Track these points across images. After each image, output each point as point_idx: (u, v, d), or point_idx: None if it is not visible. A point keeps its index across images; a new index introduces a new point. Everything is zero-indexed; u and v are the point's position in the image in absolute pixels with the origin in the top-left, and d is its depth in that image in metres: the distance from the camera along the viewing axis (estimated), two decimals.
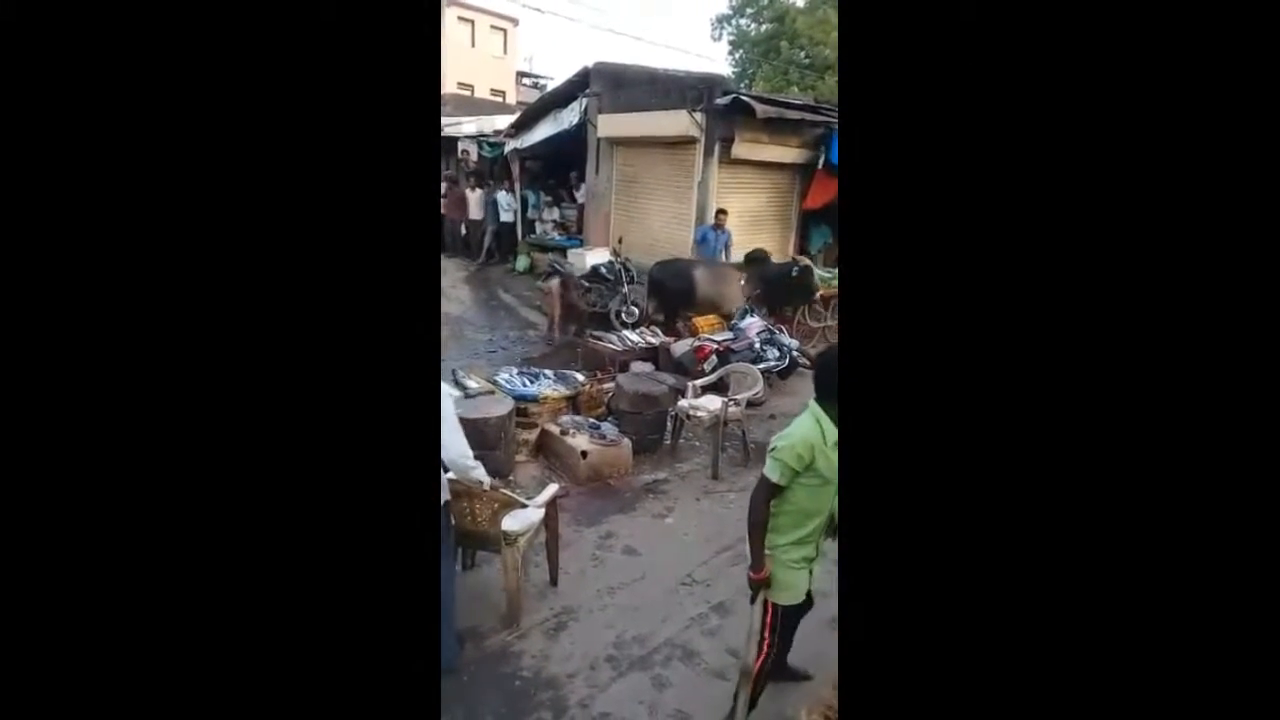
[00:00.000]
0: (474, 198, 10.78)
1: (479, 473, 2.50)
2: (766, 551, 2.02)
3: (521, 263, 10.12)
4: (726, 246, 7.14)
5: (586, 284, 7.51)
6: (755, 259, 7.11)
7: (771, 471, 1.93)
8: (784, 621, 2.19)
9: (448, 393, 2.71)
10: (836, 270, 7.21)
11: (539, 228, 10.93)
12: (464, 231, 10.90)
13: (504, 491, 2.84)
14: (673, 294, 6.57)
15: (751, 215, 8.02)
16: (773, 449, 1.94)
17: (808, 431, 1.90)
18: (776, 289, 6.78)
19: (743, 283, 7.30)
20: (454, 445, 2.37)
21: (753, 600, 2.11)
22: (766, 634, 2.12)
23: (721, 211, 7.07)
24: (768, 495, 1.96)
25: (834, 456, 1.90)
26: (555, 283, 7.18)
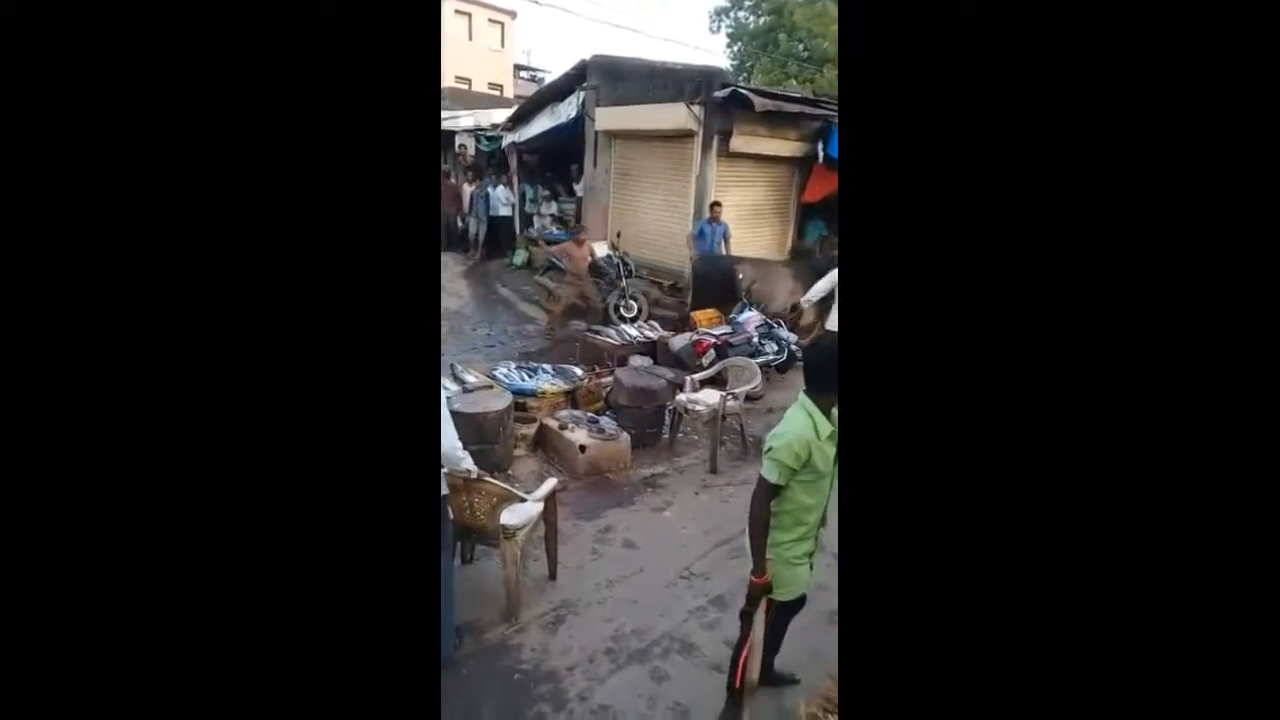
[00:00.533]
0: (469, 192, 10.74)
1: (467, 463, 2.51)
2: (768, 555, 2.00)
3: (519, 257, 10.10)
4: (724, 239, 7.12)
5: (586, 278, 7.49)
6: (803, 252, 7.12)
7: (770, 473, 1.91)
8: (778, 619, 2.20)
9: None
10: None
11: (537, 222, 10.90)
12: (459, 225, 10.86)
13: (503, 485, 2.84)
14: (716, 289, 6.60)
15: (750, 208, 8.00)
16: (768, 450, 1.92)
17: (801, 428, 1.89)
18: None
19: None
20: (444, 436, 2.38)
21: (754, 605, 2.07)
22: (764, 633, 2.12)
23: (716, 204, 7.04)
24: (768, 497, 1.94)
25: (829, 449, 1.90)
26: (567, 244, 7.10)
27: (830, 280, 5.08)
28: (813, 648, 2.56)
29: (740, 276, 7.22)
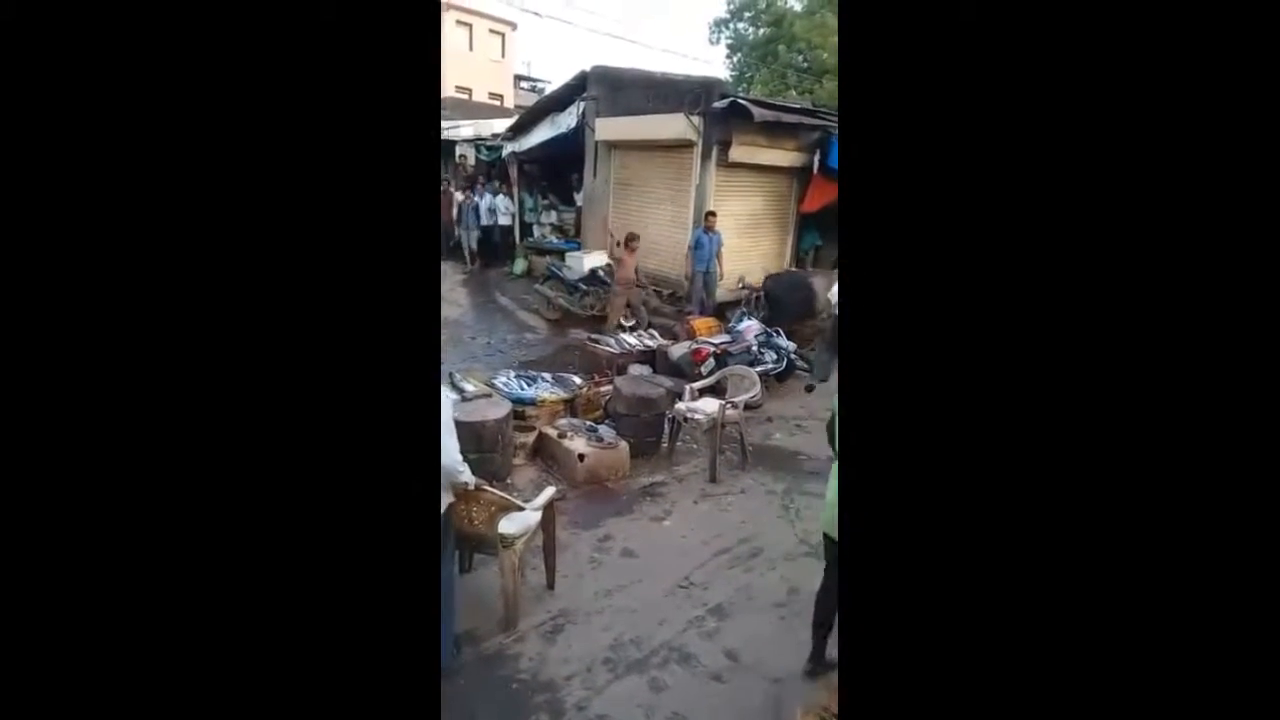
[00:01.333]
0: (458, 202, 10.73)
1: (465, 476, 2.49)
2: None
3: (519, 266, 10.11)
4: (718, 249, 7.14)
5: (584, 286, 7.52)
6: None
7: None
8: (830, 562, 2.47)
9: (444, 396, 2.70)
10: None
11: (536, 231, 10.93)
12: (455, 234, 10.84)
13: (501, 494, 2.84)
14: (788, 305, 6.81)
15: (749, 218, 8.03)
16: None
17: None
18: None
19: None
20: (446, 449, 2.37)
21: None
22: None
23: (710, 214, 7.06)
24: None
25: None
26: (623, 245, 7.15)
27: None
28: (807, 655, 2.55)
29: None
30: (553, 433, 4.28)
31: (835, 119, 8.50)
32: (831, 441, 2.37)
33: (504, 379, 4.84)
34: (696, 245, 7.11)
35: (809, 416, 5.44)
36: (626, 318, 7.09)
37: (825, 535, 2.43)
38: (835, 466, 2.28)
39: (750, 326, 6.12)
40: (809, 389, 5.90)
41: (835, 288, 5.93)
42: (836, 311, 5.92)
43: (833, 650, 2.51)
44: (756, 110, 6.89)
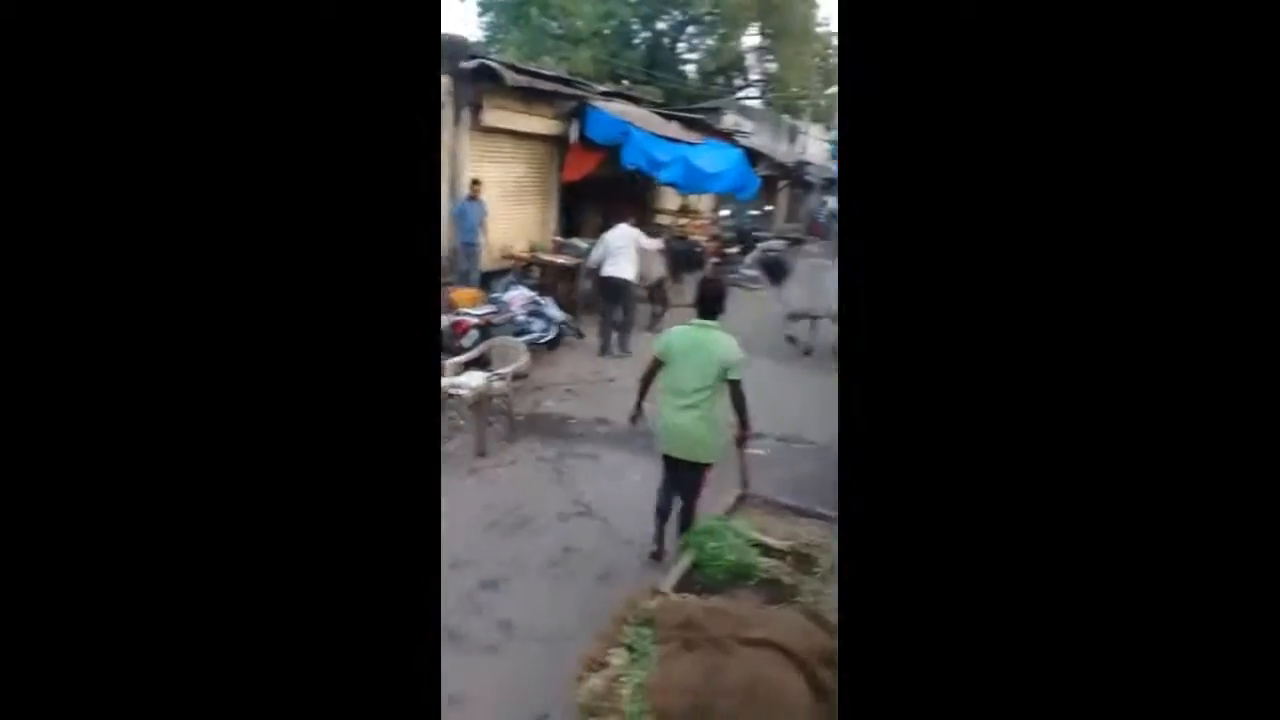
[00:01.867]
0: None
1: None
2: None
3: None
4: (482, 219, 6.91)
5: None
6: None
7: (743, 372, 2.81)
8: (667, 472, 3.02)
9: None
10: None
11: None
12: None
13: None
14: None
15: (513, 186, 7.88)
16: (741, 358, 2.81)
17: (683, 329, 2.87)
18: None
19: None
20: None
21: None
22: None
23: (476, 182, 6.80)
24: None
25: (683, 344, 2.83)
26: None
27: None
28: (583, 610, 2.66)
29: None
30: None
31: (591, 88, 8.62)
32: (642, 390, 3.01)
33: None
34: (460, 215, 6.78)
35: (576, 382, 5.59)
36: None
37: (666, 456, 2.97)
38: (666, 397, 2.88)
39: (516, 296, 6.04)
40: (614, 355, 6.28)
41: (613, 254, 6.28)
42: (609, 275, 6.25)
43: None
44: (508, 74, 6.72)
